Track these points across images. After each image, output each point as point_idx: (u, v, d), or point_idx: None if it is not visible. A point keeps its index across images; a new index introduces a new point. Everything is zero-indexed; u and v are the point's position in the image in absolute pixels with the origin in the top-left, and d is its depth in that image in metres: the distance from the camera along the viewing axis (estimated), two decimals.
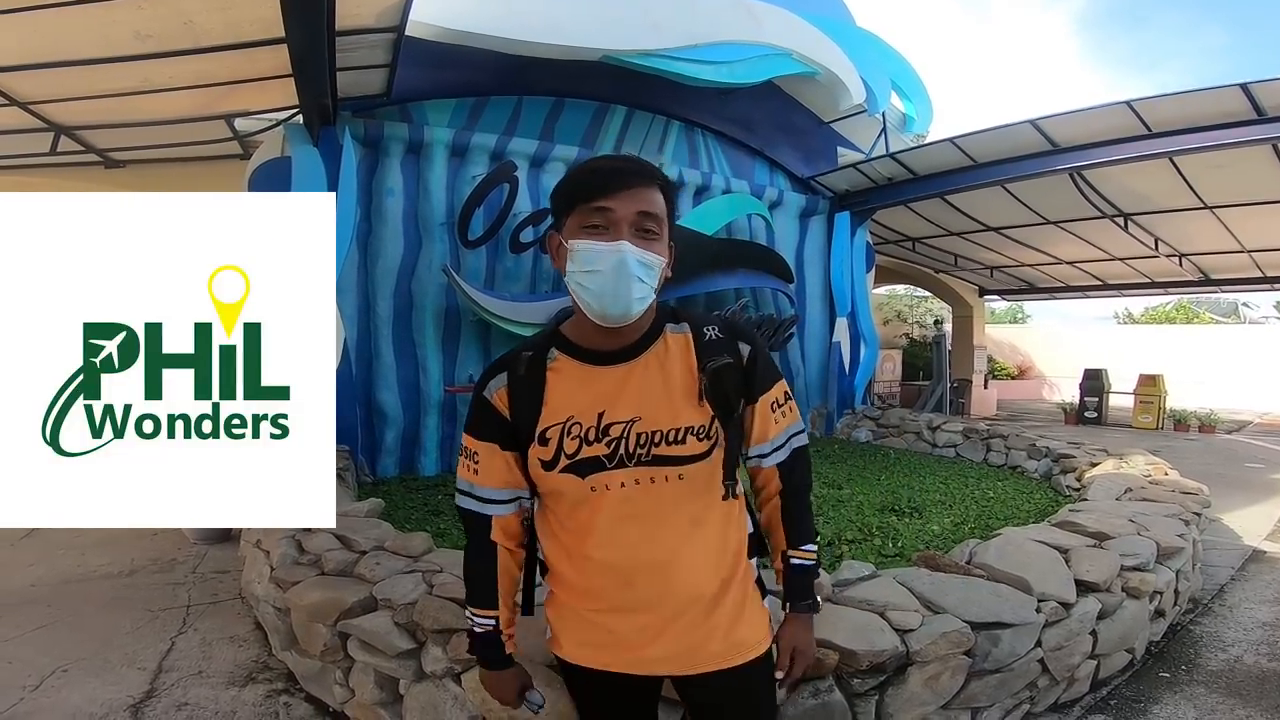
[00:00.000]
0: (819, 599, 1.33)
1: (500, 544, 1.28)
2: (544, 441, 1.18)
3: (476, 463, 1.25)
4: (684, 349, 1.21)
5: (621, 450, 1.16)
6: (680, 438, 1.16)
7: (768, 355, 1.30)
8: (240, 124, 5.79)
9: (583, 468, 1.16)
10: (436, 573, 2.63)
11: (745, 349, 1.24)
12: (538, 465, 1.19)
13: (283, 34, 3.36)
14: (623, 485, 1.17)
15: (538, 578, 1.37)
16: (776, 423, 1.28)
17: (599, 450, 1.16)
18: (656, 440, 1.16)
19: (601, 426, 1.16)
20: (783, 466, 1.30)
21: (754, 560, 1.33)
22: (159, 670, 2.88)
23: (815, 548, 1.33)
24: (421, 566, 2.71)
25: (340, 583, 2.66)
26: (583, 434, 1.16)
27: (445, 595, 2.38)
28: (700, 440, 1.18)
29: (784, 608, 1.33)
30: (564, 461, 1.17)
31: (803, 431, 1.33)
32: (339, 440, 5.27)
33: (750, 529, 1.32)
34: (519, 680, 1.35)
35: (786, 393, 1.31)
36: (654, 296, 1.18)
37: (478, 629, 1.31)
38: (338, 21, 3.42)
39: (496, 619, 1.30)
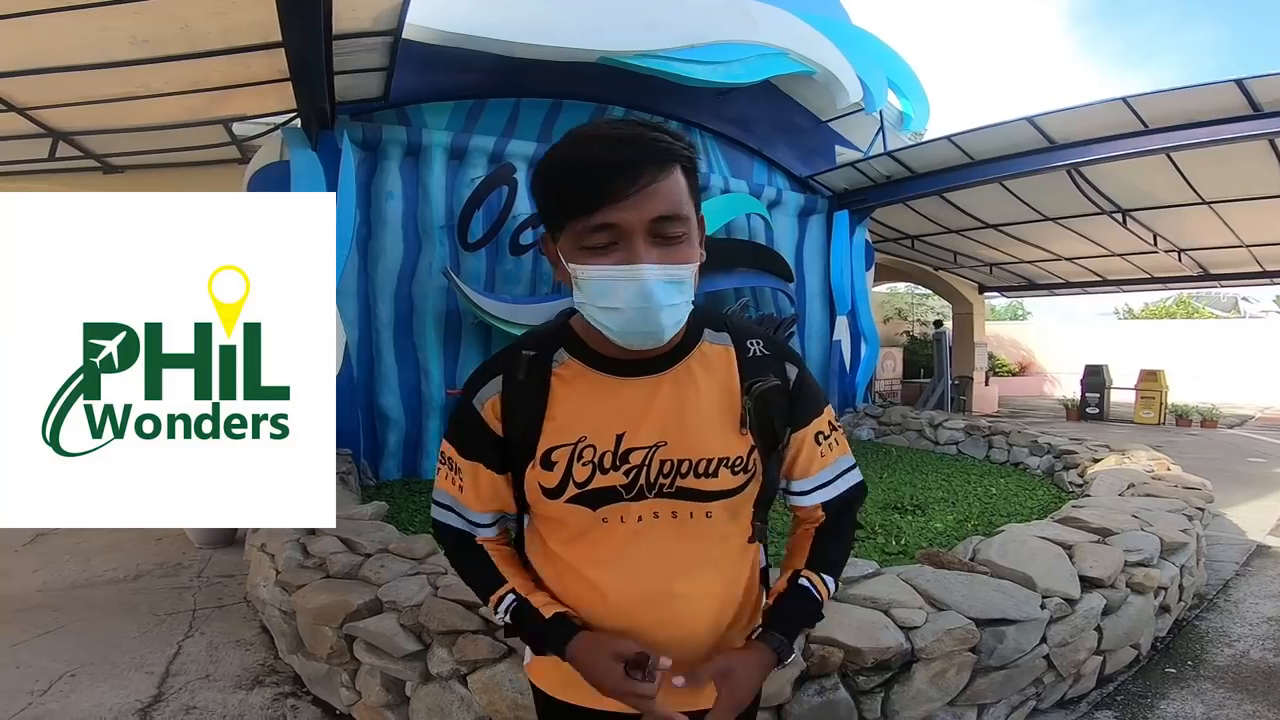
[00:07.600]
0: (796, 651, 1.16)
1: (489, 546, 1.12)
2: (548, 465, 0.98)
3: (461, 478, 1.06)
4: (725, 364, 1.02)
5: (642, 480, 0.97)
6: (712, 470, 0.98)
7: (813, 378, 1.11)
8: (238, 128, 5.80)
9: (595, 499, 0.98)
10: (441, 574, 2.64)
11: (792, 371, 1.06)
12: (537, 491, 0.99)
13: (279, 38, 3.37)
14: (640, 519, 0.99)
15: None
16: (823, 455, 1.09)
17: (615, 480, 0.97)
18: (684, 471, 0.98)
19: (620, 452, 0.97)
20: (830, 506, 1.11)
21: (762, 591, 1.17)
22: (166, 674, 2.88)
23: (834, 587, 1.11)
24: (426, 568, 2.72)
25: (345, 585, 2.67)
26: (596, 459, 0.97)
27: (450, 597, 2.39)
28: (735, 474, 0.99)
29: (760, 626, 1.07)
30: (572, 490, 0.98)
31: (855, 467, 1.14)
32: (341, 444, 5.31)
33: (764, 563, 1.15)
34: (610, 648, 0.95)
35: (833, 422, 1.12)
36: (690, 307, 0.96)
37: (503, 614, 1.05)
38: (335, 25, 3.43)
39: (513, 590, 1.05)
